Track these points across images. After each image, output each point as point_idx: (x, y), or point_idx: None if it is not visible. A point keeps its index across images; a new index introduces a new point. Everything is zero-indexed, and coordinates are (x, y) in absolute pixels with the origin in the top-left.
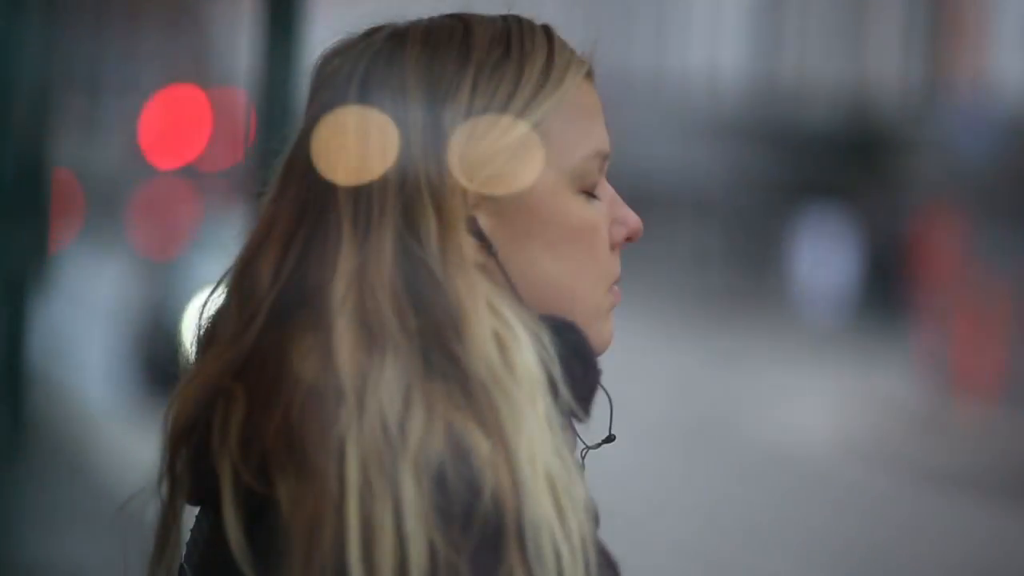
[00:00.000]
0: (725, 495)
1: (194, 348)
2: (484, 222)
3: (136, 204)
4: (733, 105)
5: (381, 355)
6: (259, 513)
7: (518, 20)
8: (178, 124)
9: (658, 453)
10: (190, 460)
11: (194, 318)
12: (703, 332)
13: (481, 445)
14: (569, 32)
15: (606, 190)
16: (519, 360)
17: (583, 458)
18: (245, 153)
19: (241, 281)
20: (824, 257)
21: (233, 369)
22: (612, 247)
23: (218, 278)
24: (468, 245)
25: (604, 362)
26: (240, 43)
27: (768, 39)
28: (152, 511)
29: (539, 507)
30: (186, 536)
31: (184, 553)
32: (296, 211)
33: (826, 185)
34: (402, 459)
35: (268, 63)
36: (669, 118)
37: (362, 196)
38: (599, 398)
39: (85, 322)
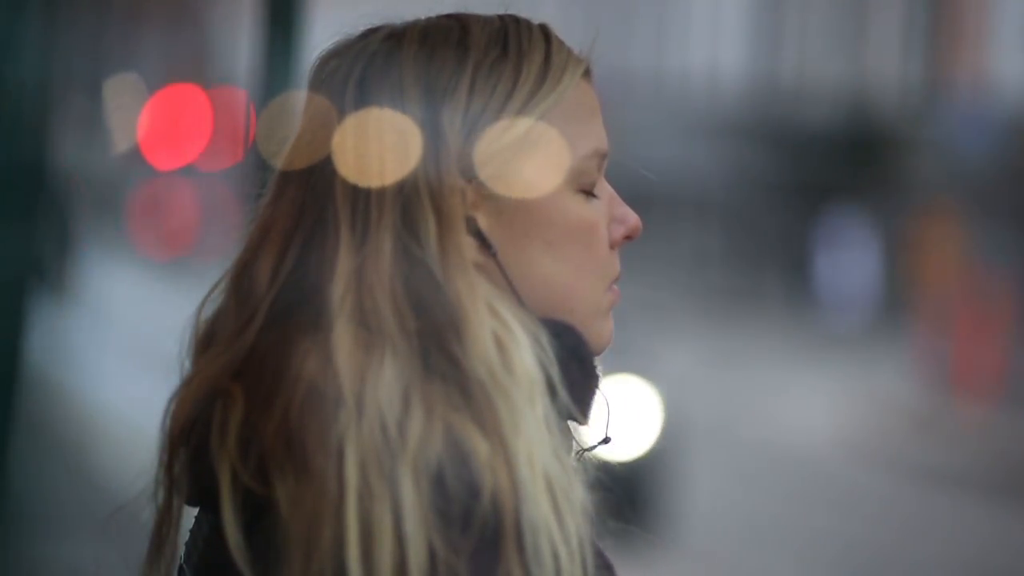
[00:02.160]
0: (725, 495)
1: (192, 349)
2: (483, 222)
3: (136, 204)
4: (733, 105)
5: (380, 356)
6: (258, 514)
7: (515, 20)
8: (178, 124)
9: None
10: (189, 461)
11: (192, 319)
12: (703, 332)
13: (480, 446)
14: (568, 32)
15: (605, 189)
16: (518, 361)
17: (579, 460)
18: (245, 153)
19: (240, 282)
20: (823, 257)
21: (232, 370)
22: (611, 246)
23: (217, 279)
24: (467, 245)
25: (603, 362)
26: (240, 43)
27: (768, 39)
28: (151, 512)
29: (537, 508)
30: (185, 537)
31: (183, 554)
32: (294, 212)
33: (826, 185)
34: (401, 460)
35: (268, 63)
36: (669, 118)
37: (361, 197)
38: (597, 401)
39: (85, 322)
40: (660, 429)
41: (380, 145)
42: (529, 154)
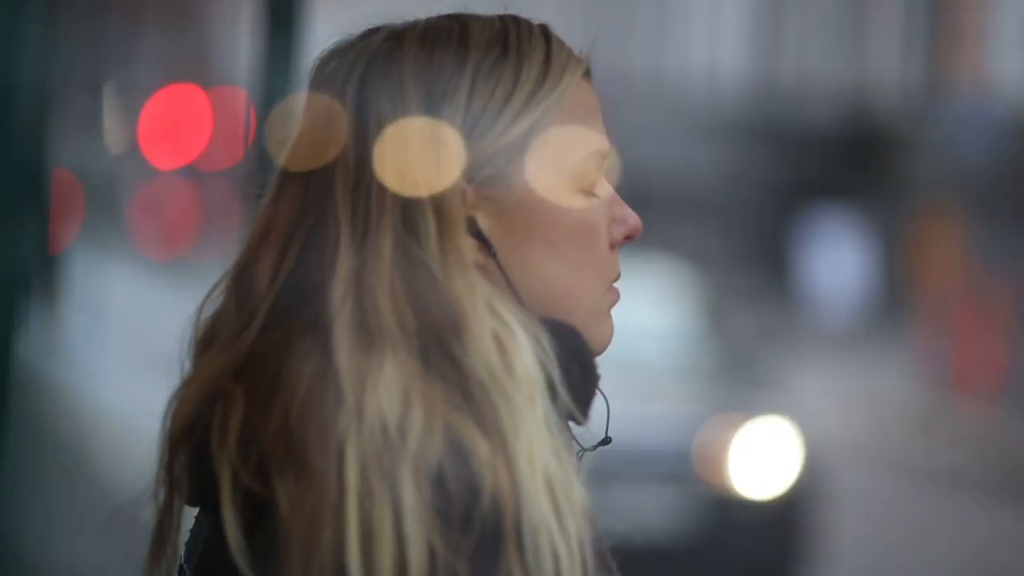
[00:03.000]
0: None
1: (192, 350)
2: (483, 223)
3: (136, 204)
4: (733, 105)
5: (380, 356)
6: (258, 514)
7: (515, 20)
8: (178, 124)
9: None
10: (189, 461)
11: (192, 319)
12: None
13: (480, 447)
14: (568, 32)
15: (605, 189)
16: (518, 361)
17: (580, 460)
18: (245, 153)
19: (240, 282)
20: (824, 257)
21: (232, 370)
22: (611, 246)
23: (217, 279)
24: (467, 246)
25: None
26: (240, 43)
27: (768, 39)
28: (151, 512)
29: (538, 509)
30: (185, 537)
31: (183, 554)
32: (295, 212)
33: (826, 185)
34: (401, 461)
35: (268, 63)
36: (669, 118)
37: (361, 197)
38: (597, 401)
39: (85, 322)
40: (802, 463)
41: (381, 146)
42: (529, 154)
